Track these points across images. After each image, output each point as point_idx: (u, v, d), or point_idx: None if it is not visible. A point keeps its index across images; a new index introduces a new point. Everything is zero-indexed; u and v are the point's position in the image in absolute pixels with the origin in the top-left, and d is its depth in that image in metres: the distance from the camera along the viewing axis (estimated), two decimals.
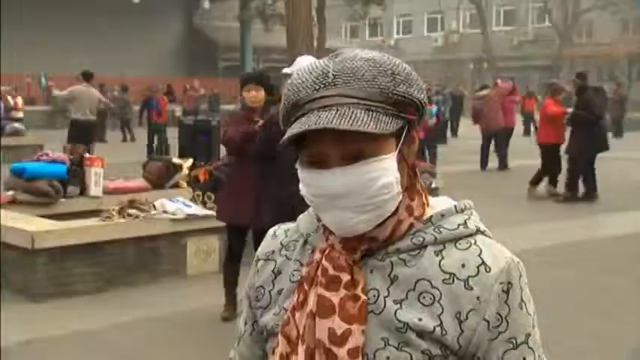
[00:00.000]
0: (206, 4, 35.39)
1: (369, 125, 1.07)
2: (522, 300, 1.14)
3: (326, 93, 1.10)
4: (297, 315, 1.15)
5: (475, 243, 1.16)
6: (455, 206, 1.19)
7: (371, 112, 1.09)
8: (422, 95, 1.16)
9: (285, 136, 1.11)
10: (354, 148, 1.09)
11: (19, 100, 21.25)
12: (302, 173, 1.14)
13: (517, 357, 1.13)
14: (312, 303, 1.13)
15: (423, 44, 49.71)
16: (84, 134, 13.35)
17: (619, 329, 5.40)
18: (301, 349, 1.13)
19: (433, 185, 9.16)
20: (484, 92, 16.34)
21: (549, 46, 44.71)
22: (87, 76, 14.21)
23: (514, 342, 1.13)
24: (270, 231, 1.33)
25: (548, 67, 44.16)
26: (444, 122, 22.53)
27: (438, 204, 1.21)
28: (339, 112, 1.08)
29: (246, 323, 1.33)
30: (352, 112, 1.08)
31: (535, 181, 11.86)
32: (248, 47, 36.41)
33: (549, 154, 11.66)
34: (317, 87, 1.12)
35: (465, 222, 1.17)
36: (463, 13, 50.03)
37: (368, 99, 1.10)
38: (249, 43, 36.26)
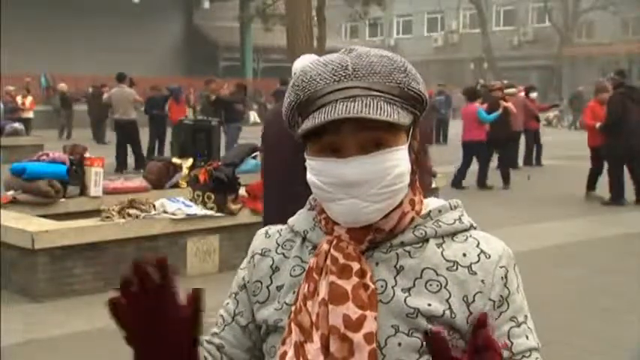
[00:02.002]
0: (206, 4, 35.44)
1: (392, 116, 1.11)
2: (518, 285, 1.20)
3: (347, 84, 1.14)
4: (309, 303, 1.16)
5: (471, 236, 1.22)
6: (449, 203, 1.25)
7: (391, 105, 1.13)
8: (426, 93, 1.21)
9: (309, 125, 1.12)
10: (372, 137, 1.13)
11: (27, 101, 21.16)
12: (314, 162, 1.17)
13: (521, 334, 1.17)
14: (323, 291, 1.15)
15: (423, 44, 49.75)
16: (126, 133, 14.80)
17: (620, 329, 5.40)
18: (316, 336, 1.15)
19: (433, 185, 9.15)
20: (511, 90, 16.32)
21: (549, 46, 44.72)
22: (120, 78, 15.36)
23: (516, 321, 1.18)
24: (262, 231, 1.35)
25: (548, 67, 44.22)
26: (444, 122, 22.59)
27: (429, 202, 1.26)
28: (364, 103, 1.11)
29: (236, 314, 1.30)
30: (376, 104, 1.12)
31: (590, 185, 11.68)
32: (248, 47, 36.46)
33: (598, 156, 11.50)
34: (337, 78, 1.14)
35: (460, 218, 1.23)
36: (463, 13, 50.06)
37: (387, 92, 1.14)
38: (249, 43, 36.31)
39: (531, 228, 9.16)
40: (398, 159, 1.14)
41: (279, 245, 1.29)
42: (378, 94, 1.13)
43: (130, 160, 15.11)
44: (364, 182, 1.12)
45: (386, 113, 1.10)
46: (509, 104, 13.10)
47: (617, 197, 10.97)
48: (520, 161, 15.99)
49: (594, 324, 5.55)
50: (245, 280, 1.31)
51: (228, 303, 1.33)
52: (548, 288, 6.26)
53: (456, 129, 23.67)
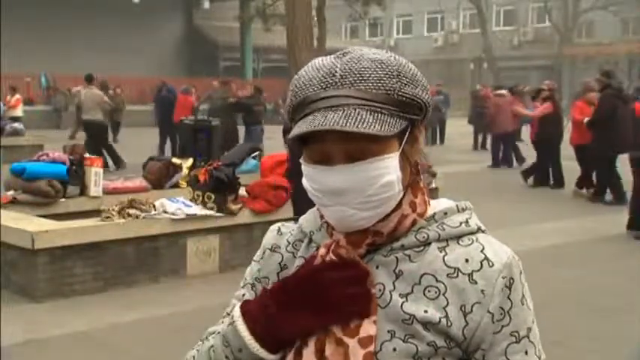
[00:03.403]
0: (206, 4, 35.43)
1: (374, 127, 1.09)
2: (524, 295, 1.17)
3: (332, 93, 1.12)
4: None
5: (477, 240, 1.19)
6: (456, 205, 1.23)
7: (376, 114, 1.11)
8: (426, 95, 1.18)
9: (292, 134, 1.12)
10: (358, 147, 1.11)
11: (13, 100, 21.00)
12: (306, 169, 1.16)
13: (520, 350, 1.15)
14: None
15: (423, 44, 49.74)
16: (93, 134, 14.92)
17: (619, 329, 5.40)
18: (311, 341, 1.15)
19: (433, 185, 9.16)
20: (502, 92, 16.57)
21: (549, 46, 44.72)
22: (88, 79, 15.53)
23: (517, 336, 1.15)
24: (274, 227, 1.35)
25: (548, 67, 44.20)
26: (442, 122, 22.63)
27: (438, 204, 1.24)
28: (345, 113, 1.09)
29: None
30: (358, 114, 1.09)
31: (580, 184, 11.79)
32: (248, 47, 36.45)
33: (581, 155, 11.66)
34: (323, 86, 1.13)
35: (467, 220, 1.21)
36: (463, 13, 50.04)
37: (373, 100, 1.11)
38: (249, 43, 36.30)
39: (530, 228, 9.16)
40: (385, 167, 1.12)
41: (289, 243, 1.30)
42: (362, 102, 1.11)
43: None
44: (349, 191, 1.12)
45: (366, 124, 1.08)
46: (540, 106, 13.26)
47: (601, 194, 11.17)
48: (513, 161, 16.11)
49: (594, 324, 5.55)
50: (260, 273, 1.31)
51: (244, 294, 1.32)
52: (547, 288, 6.26)
53: (450, 128, 23.76)
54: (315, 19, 18.72)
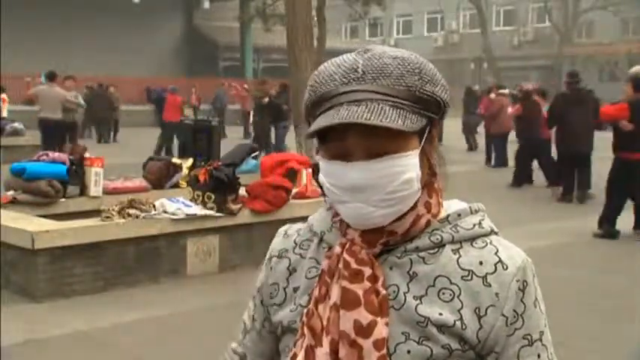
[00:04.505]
0: (206, 4, 35.46)
1: (396, 122, 1.08)
2: (536, 299, 1.18)
3: (355, 87, 1.12)
4: (320, 307, 1.16)
5: (491, 242, 1.19)
6: (469, 207, 1.22)
7: (398, 109, 1.10)
8: (445, 95, 1.17)
9: (313, 128, 1.11)
10: (379, 143, 1.10)
11: None
12: (324, 164, 1.15)
13: (532, 353, 1.16)
14: (335, 295, 1.15)
15: (423, 44, 49.73)
16: (54, 133, 14.33)
17: (619, 329, 5.40)
18: (326, 341, 1.14)
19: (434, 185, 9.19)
20: (505, 91, 16.70)
21: (549, 46, 44.74)
22: (51, 77, 15.02)
23: (529, 339, 1.15)
24: (281, 230, 1.35)
25: (548, 67, 44.23)
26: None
27: (450, 205, 1.24)
28: (368, 108, 1.09)
29: (254, 320, 1.33)
30: (381, 108, 1.09)
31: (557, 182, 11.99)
32: (248, 47, 36.48)
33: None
34: (345, 81, 1.13)
35: (480, 222, 1.20)
36: (463, 13, 50.06)
37: (396, 96, 1.11)
38: (249, 43, 36.34)
39: (531, 228, 9.15)
40: (405, 165, 1.11)
41: (296, 245, 1.29)
42: (384, 97, 1.10)
43: None
44: (368, 187, 1.11)
45: (389, 119, 1.08)
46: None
47: (566, 191, 11.44)
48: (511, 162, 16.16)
49: (594, 324, 5.55)
50: (262, 281, 1.32)
51: (249, 307, 1.34)
52: (547, 288, 6.24)
53: (449, 128, 23.75)
54: (315, 19, 18.70)
